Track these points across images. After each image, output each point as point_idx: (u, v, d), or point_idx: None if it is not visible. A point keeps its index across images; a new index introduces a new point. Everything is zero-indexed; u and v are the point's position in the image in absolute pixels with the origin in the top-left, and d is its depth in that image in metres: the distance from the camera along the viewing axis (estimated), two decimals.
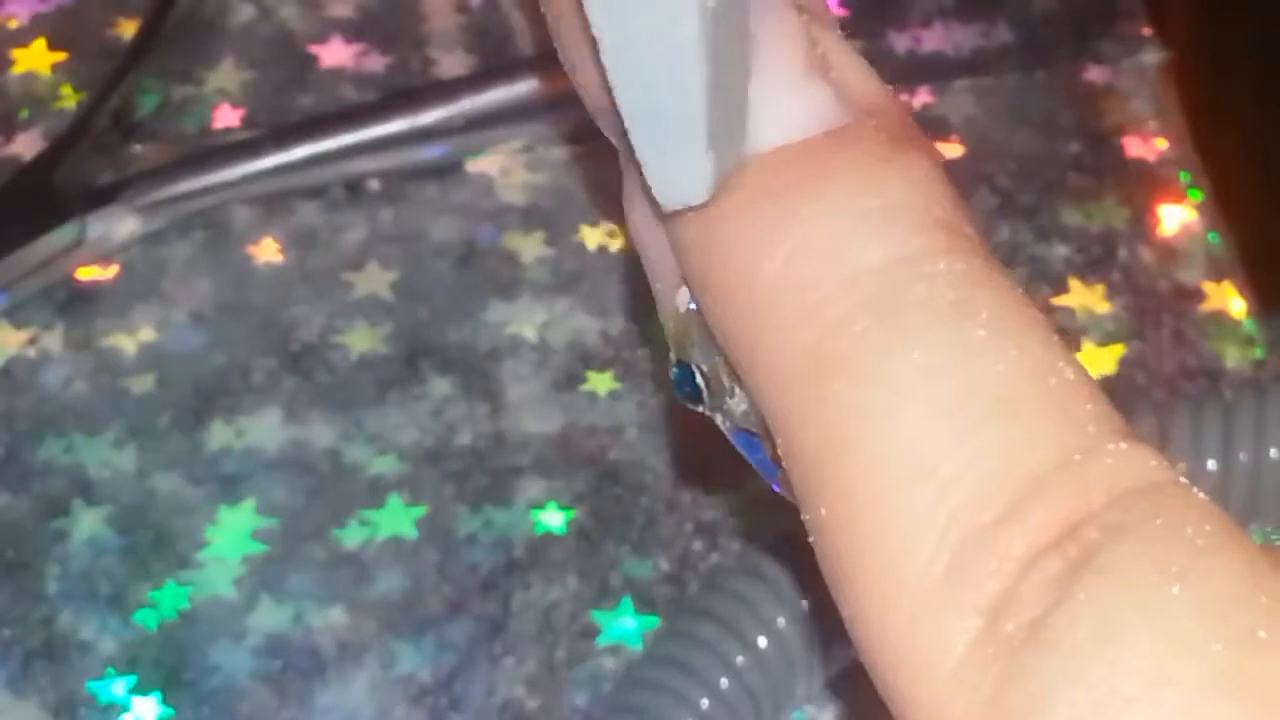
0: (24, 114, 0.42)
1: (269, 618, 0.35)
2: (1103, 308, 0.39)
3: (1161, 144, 0.42)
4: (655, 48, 0.22)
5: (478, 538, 0.36)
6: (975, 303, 0.22)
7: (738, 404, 0.24)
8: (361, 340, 0.39)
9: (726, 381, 0.24)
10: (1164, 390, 0.38)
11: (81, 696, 0.34)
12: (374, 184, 0.41)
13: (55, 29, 0.44)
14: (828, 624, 0.32)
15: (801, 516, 0.23)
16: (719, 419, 0.25)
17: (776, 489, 0.25)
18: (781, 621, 0.32)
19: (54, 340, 0.39)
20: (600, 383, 0.38)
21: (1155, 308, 0.39)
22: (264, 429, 0.38)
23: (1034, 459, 0.21)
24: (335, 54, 0.43)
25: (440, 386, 0.38)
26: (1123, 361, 0.38)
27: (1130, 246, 0.40)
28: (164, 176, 0.40)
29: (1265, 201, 0.54)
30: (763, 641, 0.32)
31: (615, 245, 0.40)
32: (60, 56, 0.43)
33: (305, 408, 0.38)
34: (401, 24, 0.44)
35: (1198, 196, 0.41)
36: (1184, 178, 0.41)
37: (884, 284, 0.22)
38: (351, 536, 0.36)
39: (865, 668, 0.22)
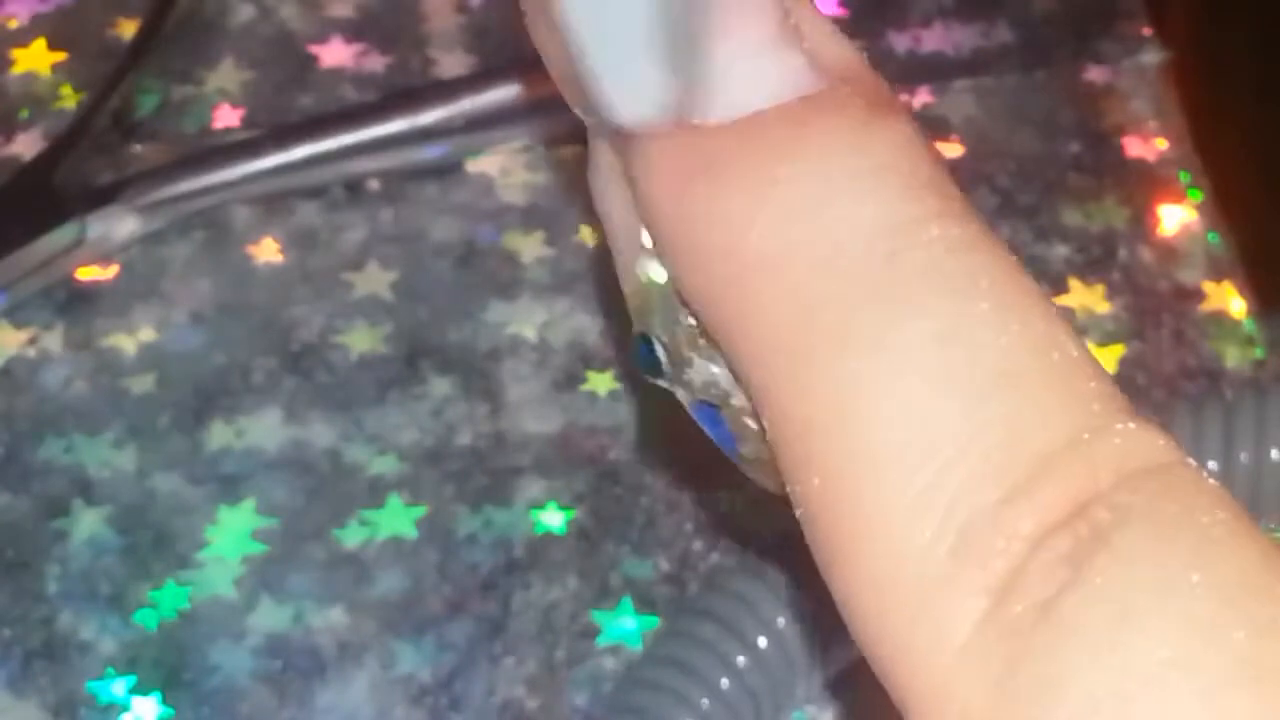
0: (24, 114, 0.42)
1: (269, 618, 0.35)
2: (1103, 308, 0.39)
3: (1161, 144, 0.42)
4: None
5: (478, 538, 0.36)
6: (975, 272, 0.21)
7: (698, 375, 0.24)
8: (361, 340, 0.39)
9: (687, 352, 0.24)
10: (1164, 390, 0.38)
11: (81, 696, 0.34)
12: (374, 184, 0.41)
13: (55, 29, 0.44)
14: (828, 624, 0.32)
15: (788, 489, 0.22)
16: (680, 392, 0.25)
17: (737, 462, 0.25)
18: (782, 621, 0.32)
19: (54, 340, 0.39)
20: (600, 383, 0.38)
21: (1155, 308, 0.39)
22: (264, 429, 0.38)
23: (1041, 437, 0.20)
24: (335, 54, 0.43)
25: (440, 386, 0.38)
26: (1123, 361, 0.38)
27: (1130, 246, 0.40)
28: (164, 176, 0.40)
29: (1265, 201, 0.54)
30: (763, 641, 0.32)
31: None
32: (60, 56, 0.43)
33: (305, 408, 0.38)
34: (401, 24, 0.44)
35: (1198, 196, 0.41)
36: (1184, 178, 0.41)
37: (877, 249, 0.21)
38: (351, 536, 0.36)
39: (862, 651, 0.21)
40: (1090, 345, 0.38)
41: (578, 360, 0.39)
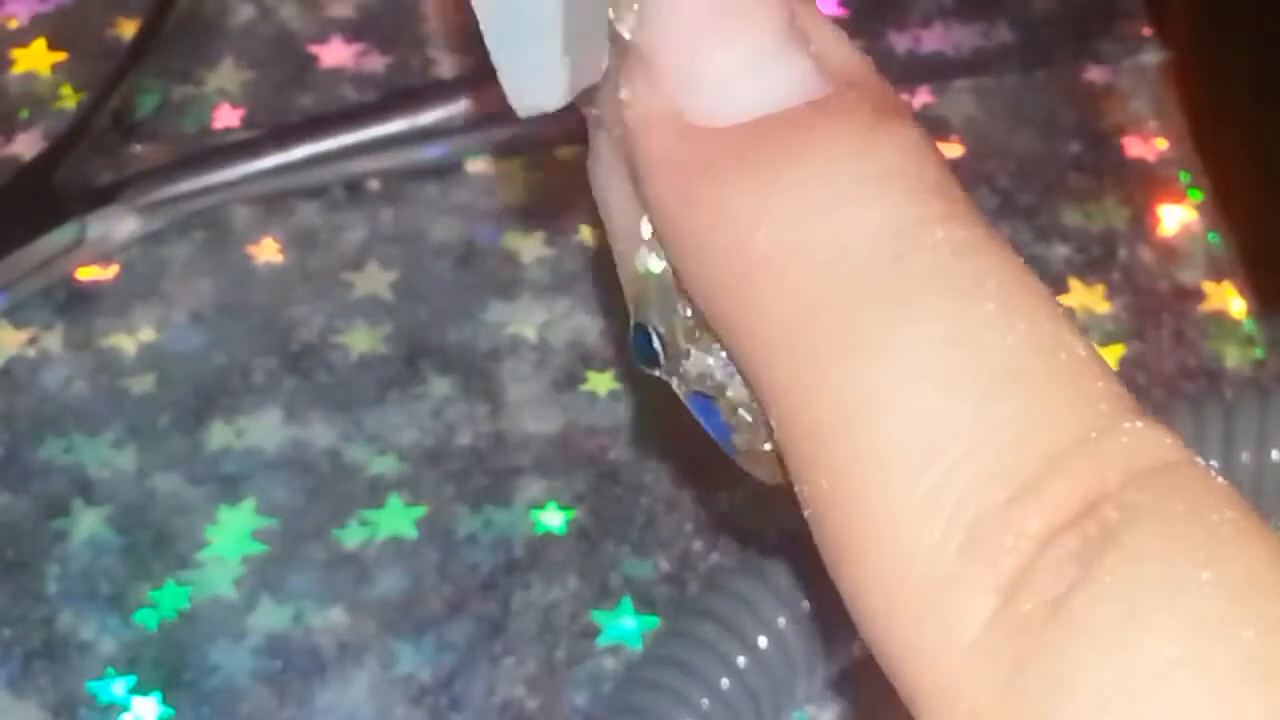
0: (24, 114, 0.42)
1: (269, 618, 0.35)
2: (1103, 308, 0.39)
3: (1161, 144, 0.42)
4: None
5: (478, 538, 0.36)
6: (980, 273, 0.21)
7: (693, 366, 0.24)
8: (361, 340, 0.39)
9: (683, 344, 0.24)
10: (1164, 390, 0.38)
11: (81, 696, 0.34)
12: (374, 184, 0.41)
13: (55, 29, 0.44)
14: (829, 624, 0.32)
15: (796, 488, 0.22)
16: (675, 383, 0.25)
17: (731, 454, 0.25)
18: (782, 621, 0.32)
19: (54, 340, 0.39)
20: (600, 383, 0.38)
21: (1155, 308, 0.39)
22: (264, 429, 0.38)
23: (1049, 436, 0.20)
24: (335, 54, 0.43)
25: (440, 386, 0.38)
26: (1123, 361, 0.38)
27: (1130, 246, 0.40)
28: (164, 176, 0.40)
29: (1265, 201, 0.54)
30: (763, 641, 0.32)
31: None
32: (60, 56, 0.43)
33: (305, 408, 0.38)
34: (401, 24, 0.44)
35: (1198, 196, 0.41)
36: (1184, 178, 0.41)
37: (885, 252, 0.21)
38: (351, 536, 0.36)
39: (870, 650, 0.21)
40: None
41: (578, 360, 0.39)
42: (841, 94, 0.23)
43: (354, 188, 0.41)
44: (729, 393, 0.24)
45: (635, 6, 0.23)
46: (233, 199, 0.40)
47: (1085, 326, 0.39)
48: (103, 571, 0.36)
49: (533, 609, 0.35)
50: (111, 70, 0.41)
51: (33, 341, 0.39)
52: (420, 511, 0.37)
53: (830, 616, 0.32)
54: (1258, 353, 0.39)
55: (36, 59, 0.43)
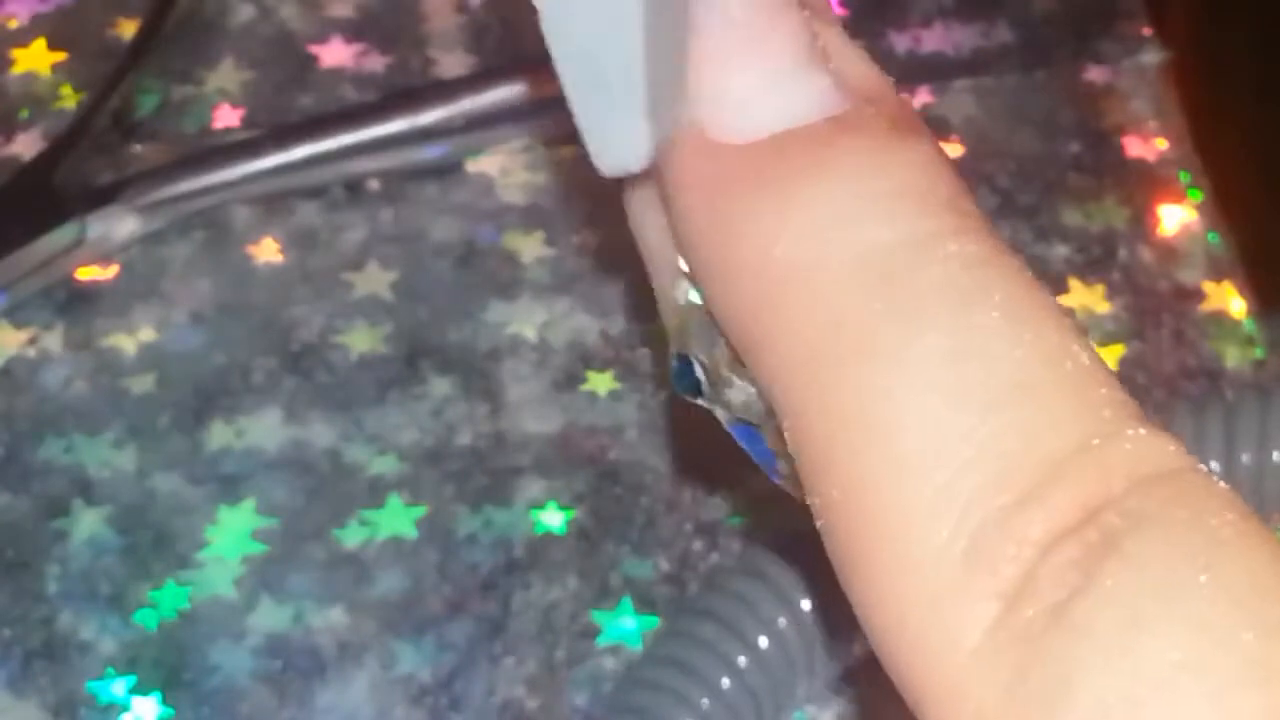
0: (24, 114, 0.42)
1: (269, 618, 0.35)
2: (1103, 308, 0.39)
3: (1161, 144, 0.42)
4: (594, 13, 0.22)
5: (478, 538, 0.36)
6: (989, 286, 0.22)
7: (737, 394, 0.24)
8: (361, 340, 0.39)
9: (726, 372, 0.24)
10: (1164, 390, 0.38)
11: (81, 696, 0.34)
12: (374, 184, 0.41)
13: (55, 29, 0.44)
14: (829, 624, 0.32)
15: (808, 500, 0.23)
16: (718, 411, 0.25)
17: (776, 480, 0.25)
18: (783, 621, 0.32)
19: (54, 340, 0.39)
20: (600, 383, 0.38)
21: (1155, 308, 0.39)
22: (264, 429, 0.38)
23: (1052, 443, 0.21)
24: (335, 54, 0.43)
25: (440, 386, 0.38)
26: (1123, 361, 0.38)
27: (1130, 246, 0.40)
28: (164, 176, 0.40)
29: (1265, 201, 0.54)
30: (764, 641, 0.32)
31: (614, 245, 0.40)
32: (60, 56, 0.43)
33: (305, 408, 0.38)
34: (401, 24, 0.44)
35: (1198, 196, 0.41)
36: (1184, 178, 0.41)
37: (897, 266, 0.22)
38: (351, 536, 0.36)
39: (876, 653, 0.22)
40: None
41: (578, 360, 0.39)
42: (859, 110, 0.23)
43: (354, 188, 0.41)
44: (773, 420, 0.24)
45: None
46: (233, 199, 0.40)
47: (1085, 326, 0.39)
48: (103, 571, 0.36)
49: (533, 609, 0.35)
50: (111, 70, 0.41)
51: (33, 341, 0.39)
52: (420, 511, 0.37)
53: (831, 616, 0.32)
54: (1258, 353, 0.39)
55: (36, 59, 0.43)
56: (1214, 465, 0.34)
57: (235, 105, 0.42)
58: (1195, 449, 0.34)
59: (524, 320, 0.39)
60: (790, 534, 0.33)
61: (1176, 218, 0.41)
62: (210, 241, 0.40)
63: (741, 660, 0.32)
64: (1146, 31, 0.44)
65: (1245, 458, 0.34)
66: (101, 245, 0.40)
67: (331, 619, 0.35)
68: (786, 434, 0.23)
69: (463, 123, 0.41)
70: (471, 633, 0.35)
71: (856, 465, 0.22)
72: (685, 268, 0.24)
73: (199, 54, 0.43)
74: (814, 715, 0.34)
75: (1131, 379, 0.38)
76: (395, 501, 0.37)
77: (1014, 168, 0.41)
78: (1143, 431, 0.21)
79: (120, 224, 0.40)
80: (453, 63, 0.43)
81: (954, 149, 0.42)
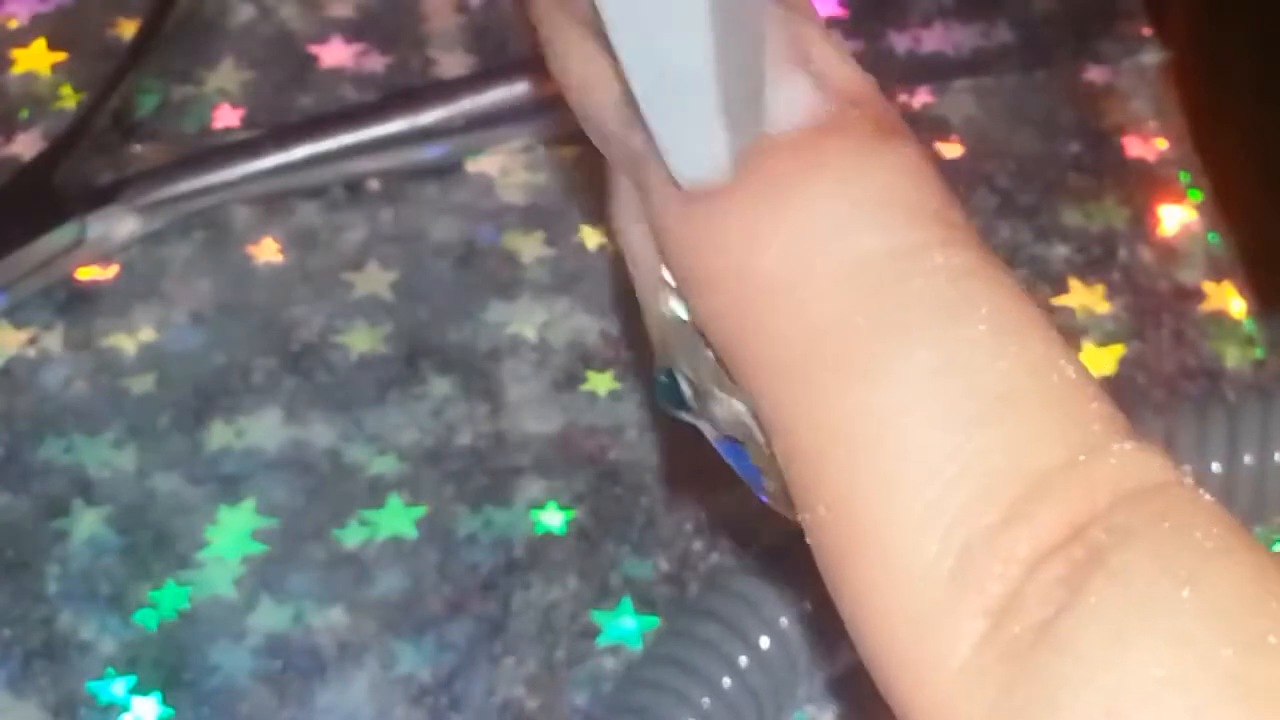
0: (24, 114, 0.42)
1: (269, 618, 0.35)
2: (1103, 308, 0.39)
3: (1161, 144, 0.42)
4: (665, 23, 0.21)
5: (478, 538, 0.36)
6: (975, 298, 0.22)
7: (722, 410, 0.24)
8: (361, 340, 0.39)
9: (710, 387, 0.24)
10: (1164, 391, 0.38)
11: (81, 696, 0.34)
12: (374, 184, 0.41)
13: (55, 29, 0.44)
14: (830, 625, 0.32)
15: (799, 516, 0.23)
16: (703, 426, 0.25)
17: (763, 498, 0.25)
18: (784, 621, 0.32)
19: (54, 340, 0.39)
20: (600, 383, 0.38)
21: (1155, 308, 0.39)
22: (264, 429, 0.38)
23: (1038, 458, 0.21)
24: (335, 54, 0.43)
25: (440, 386, 0.38)
26: (1123, 361, 0.38)
27: (1130, 246, 0.40)
28: (164, 176, 0.40)
29: (1265, 201, 0.54)
30: (765, 642, 0.32)
31: (615, 245, 0.40)
32: (60, 56, 0.43)
33: (305, 408, 0.38)
34: (401, 24, 0.44)
35: (1198, 196, 0.41)
36: (1184, 178, 0.41)
37: (882, 278, 0.22)
38: (351, 536, 0.36)
39: (866, 668, 0.22)
40: (1090, 345, 0.38)
41: (578, 360, 0.39)
42: (844, 112, 0.23)
43: (354, 188, 0.41)
44: (758, 436, 0.24)
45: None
46: (233, 199, 0.40)
47: (1085, 326, 0.39)
48: (103, 571, 0.36)
49: (533, 609, 0.35)
50: (111, 70, 0.41)
51: (33, 341, 0.39)
52: (420, 511, 0.37)
53: (832, 617, 0.32)
54: (1258, 353, 0.39)
55: (36, 59, 0.43)
56: (1216, 467, 0.34)
57: (235, 105, 0.42)
58: (1198, 450, 0.34)
59: (524, 320, 0.39)
60: (791, 535, 0.33)
61: (1176, 218, 0.41)
62: (210, 241, 0.40)
63: (743, 660, 0.32)
64: (1146, 31, 0.44)
65: (1248, 459, 0.34)
66: (101, 245, 0.40)
67: (331, 619, 0.35)
68: (776, 449, 0.23)
69: (463, 123, 0.41)
70: (471, 633, 0.35)
71: (844, 482, 0.21)
72: (670, 281, 0.24)
73: (199, 54, 0.43)
74: (814, 715, 0.34)
75: (1131, 379, 0.38)
76: (395, 501, 0.37)
77: (1014, 168, 0.41)
78: (1129, 446, 0.21)
79: (120, 224, 0.40)
80: (453, 63, 0.43)
81: (954, 149, 0.42)
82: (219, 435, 0.37)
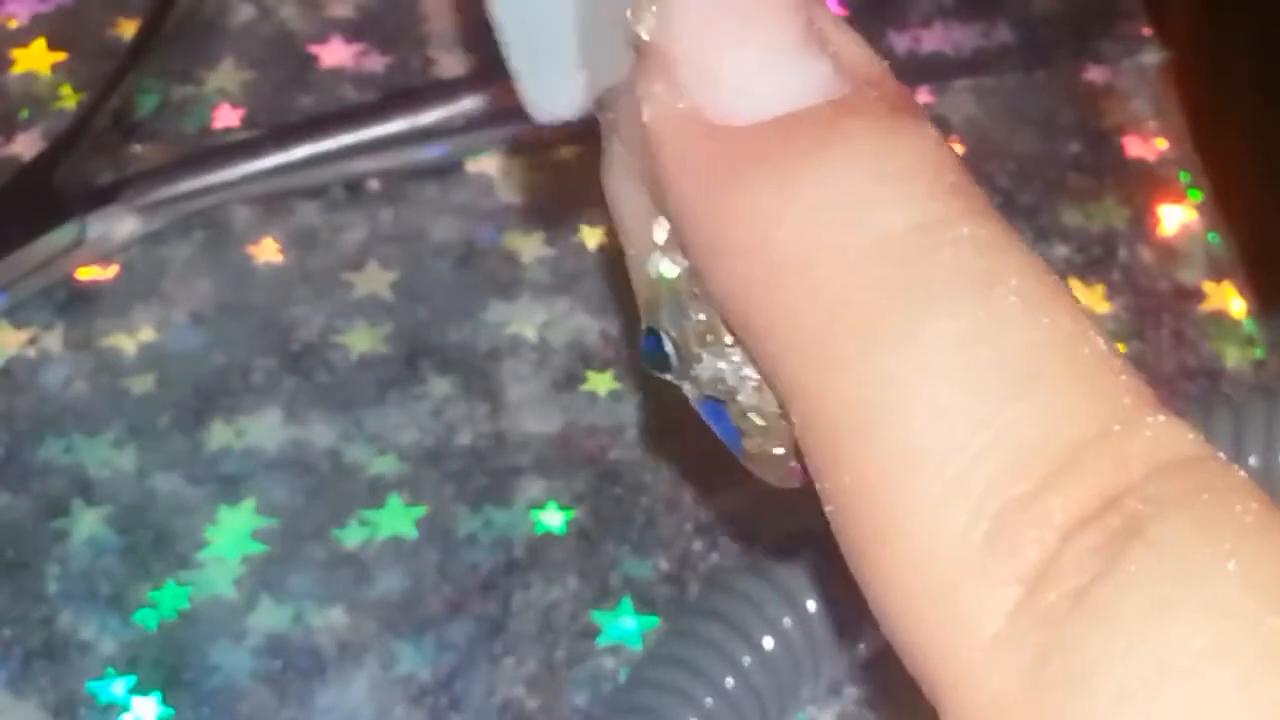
0: (24, 114, 0.42)
1: (269, 618, 0.35)
2: (1103, 308, 0.39)
3: (1161, 144, 0.42)
4: None
5: (478, 538, 0.36)
6: (1002, 270, 0.22)
7: (705, 370, 0.24)
8: (361, 340, 0.39)
9: (695, 348, 0.24)
10: (1164, 391, 0.38)
11: (81, 696, 0.34)
12: (374, 184, 0.41)
13: (55, 29, 0.44)
14: (834, 625, 0.32)
15: (817, 486, 0.22)
16: (686, 387, 0.25)
17: (741, 459, 0.25)
18: (788, 622, 0.32)
19: (54, 340, 0.39)
20: (600, 383, 0.38)
21: (1155, 308, 0.39)
22: (264, 429, 0.38)
23: (1071, 430, 0.21)
24: (335, 54, 0.43)
25: (440, 386, 0.38)
26: None
27: (1130, 246, 0.40)
28: (164, 176, 0.40)
29: (1265, 201, 0.54)
30: (769, 642, 0.32)
31: (615, 245, 0.40)
32: (60, 56, 0.43)
33: (305, 408, 0.38)
34: (401, 24, 0.44)
35: (1198, 196, 0.41)
36: (1184, 178, 0.41)
37: (906, 250, 0.22)
38: (351, 536, 0.36)
39: (890, 640, 0.21)
40: None
41: (578, 360, 0.39)
42: (861, 92, 0.23)
43: (354, 188, 0.41)
44: (740, 397, 0.24)
45: (654, 8, 0.23)
46: (233, 199, 0.40)
47: None
48: (103, 571, 0.36)
49: (533, 609, 0.35)
50: (111, 70, 0.41)
51: (33, 341, 0.39)
52: (420, 511, 0.37)
53: (836, 617, 0.32)
54: (1258, 353, 0.39)
55: (36, 59, 0.43)
56: None
57: (235, 105, 0.42)
58: None
59: (524, 320, 0.39)
60: (793, 534, 0.33)
61: (1176, 218, 0.41)
62: (210, 241, 0.40)
63: (746, 660, 0.32)
64: (1146, 31, 0.44)
65: (1253, 460, 0.34)
66: (101, 245, 0.40)
67: (331, 619, 0.35)
68: (794, 419, 0.23)
69: (463, 123, 0.41)
70: (471, 633, 0.35)
71: (866, 452, 0.21)
72: (659, 240, 0.24)
73: (199, 54, 0.43)
74: (814, 716, 0.34)
75: None
76: (395, 501, 0.37)
77: (1014, 168, 0.41)
78: (1162, 418, 0.21)
79: (120, 224, 0.40)
80: (453, 63, 0.43)
81: (954, 149, 0.41)
82: (219, 435, 0.37)
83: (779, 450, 0.24)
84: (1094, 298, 0.39)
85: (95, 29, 0.43)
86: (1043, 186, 0.41)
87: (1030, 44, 0.43)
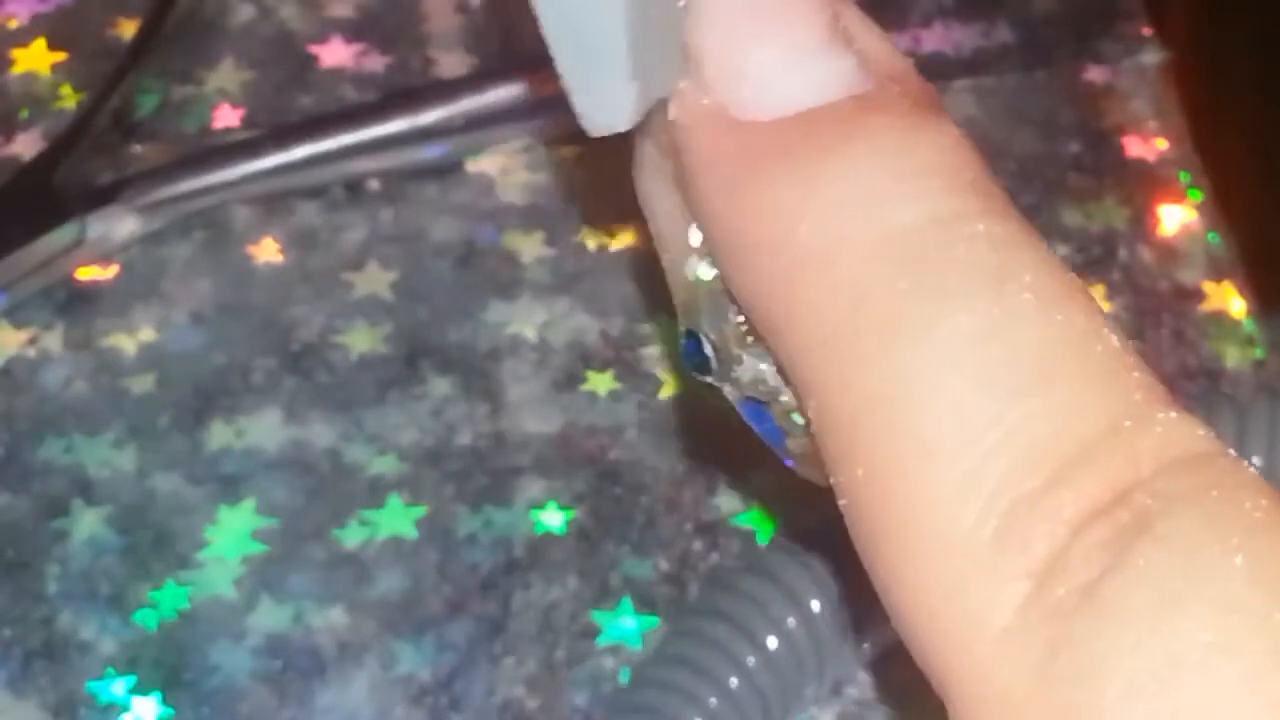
0: (24, 114, 0.42)
1: (269, 618, 0.35)
2: (1103, 308, 0.39)
3: (1161, 144, 0.42)
4: None
5: (478, 538, 0.36)
6: (1017, 266, 0.22)
7: (746, 372, 0.24)
8: (361, 340, 0.39)
9: (735, 350, 0.24)
10: None
11: (81, 696, 0.34)
12: (374, 184, 0.41)
13: (55, 29, 0.44)
14: (839, 625, 0.32)
15: (831, 480, 0.22)
16: (727, 389, 0.25)
17: (785, 460, 0.25)
18: (792, 622, 0.32)
19: (54, 340, 0.39)
20: (600, 383, 0.38)
21: (1155, 308, 0.39)
22: (264, 429, 0.38)
23: (1082, 426, 0.21)
24: (335, 54, 0.43)
25: (440, 386, 0.38)
26: None
27: (1130, 246, 0.40)
28: (164, 176, 0.40)
29: (1265, 201, 0.54)
30: (773, 642, 0.32)
31: (615, 245, 0.40)
32: (60, 56, 0.43)
33: (305, 408, 0.38)
34: (401, 24, 0.44)
35: (1198, 196, 0.41)
36: (1184, 178, 0.41)
37: (924, 245, 0.22)
38: (351, 536, 0.36)
39: (900, 634, 0.22)
40: None
41: (578, 360, 0.39)
42: (884, 88, 0.23)
43: (354, 188, 0.41)
44: (782, 398, 0.24)
45: (681, 5, 0.23)
46: (233, 199, 0.40)
47: None
48: (103, 571, 0.36)
49: (533, 609, 0.35)
50: (111, 70, 0.41)
51: (33, 341, 0.39)
52: (420, 511, 0.37)
53: (840, 618, 0.32)
54: (1258, 353, 0.39)
55: (36, 59, 0.43)
56: None
57: (235, 105, 0.42)
58: None
59: (524, 320, 0.39)
60: (797, 534, 0.33)
61: (1176, 218, 0.41)
62: (210, 241, 0.40)
63: (751, 660, 0.32)
64: (1146, 31, 0.44)
65: (1256, 459, 0.34)
66: (101, 245, 0.40)
67: (331, 619, 0.35)
68: (810, 413, 0.23)
69: (463, 123, 0.41)
70: (471, 633, 0.35)
71: (881, 445, 0.21)
72: (695, 243, 0.24)
73: (199, 54, 0.43)
74: (815, 716, 0.34)
75: None
76: (395, 501, 0.37)
77: (1014, 168, 0.41)
78: (1173, 415, 0.21)
79: (120, 224, 0.40)
80: (453, 63, 0.43)
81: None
82: (219, 435, 0.37)
83: None
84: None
85: (95, 29, 0.43)
86: (1043, 186, 0.41)
87: (1030, 44, 0.43)
